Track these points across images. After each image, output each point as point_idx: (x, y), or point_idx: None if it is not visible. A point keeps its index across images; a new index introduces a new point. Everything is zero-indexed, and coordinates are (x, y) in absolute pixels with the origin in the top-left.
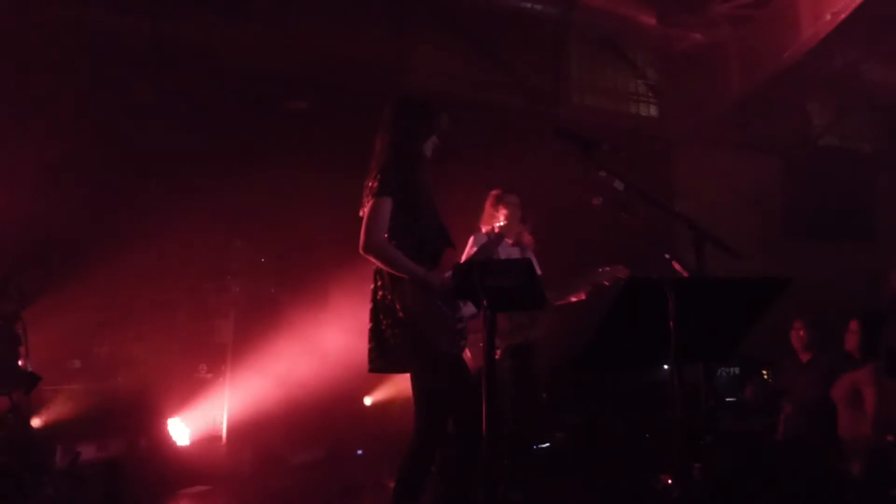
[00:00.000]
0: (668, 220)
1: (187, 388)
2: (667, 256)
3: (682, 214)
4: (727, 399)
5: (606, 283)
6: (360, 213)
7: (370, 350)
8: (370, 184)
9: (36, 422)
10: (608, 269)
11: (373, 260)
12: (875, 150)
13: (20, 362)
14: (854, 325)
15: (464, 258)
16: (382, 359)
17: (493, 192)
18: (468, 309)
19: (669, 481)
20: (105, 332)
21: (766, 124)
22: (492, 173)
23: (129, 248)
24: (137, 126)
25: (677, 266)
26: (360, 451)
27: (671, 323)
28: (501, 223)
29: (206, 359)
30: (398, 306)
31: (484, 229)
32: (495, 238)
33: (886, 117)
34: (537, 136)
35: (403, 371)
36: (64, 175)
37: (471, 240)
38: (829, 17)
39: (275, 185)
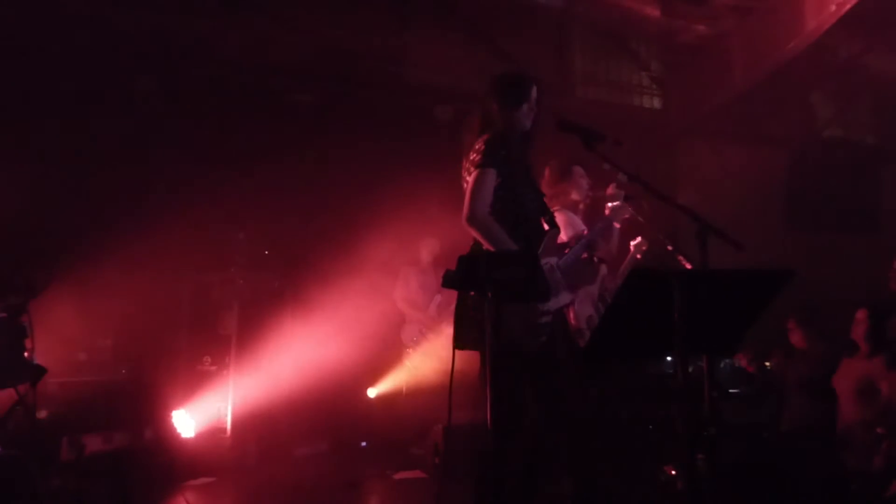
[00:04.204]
0: (671, 211)
1: (192, 381)
2: (670, 248)
3: (686, 206)
4: (730, 391)
5: (639, 257)
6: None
7: (457, 326)
8: (472, 156)
9: (42, 414)
10: (638, 240)
11: (474, 233)
12: (880, 142)
13: (26, 354)
14: (861, 314)
15: (571, 235)
16: (463, 336)
17: (558, 163)
18: (557, 301)
19: (673, 473)
20: (110, 325)
21: (770, 116)
22: None
23: (134, 241)
24: (141, 119)
25: (681, 258)
26: (363, 444)
27: (675, 315)
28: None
29: (210, 351)
30: None
31: (572, 205)
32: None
33: (891, 109)
34: (541, 128)
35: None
36: (68, 168)
37: (563, 218)
38: (833, 7)
39: (278, 178)
